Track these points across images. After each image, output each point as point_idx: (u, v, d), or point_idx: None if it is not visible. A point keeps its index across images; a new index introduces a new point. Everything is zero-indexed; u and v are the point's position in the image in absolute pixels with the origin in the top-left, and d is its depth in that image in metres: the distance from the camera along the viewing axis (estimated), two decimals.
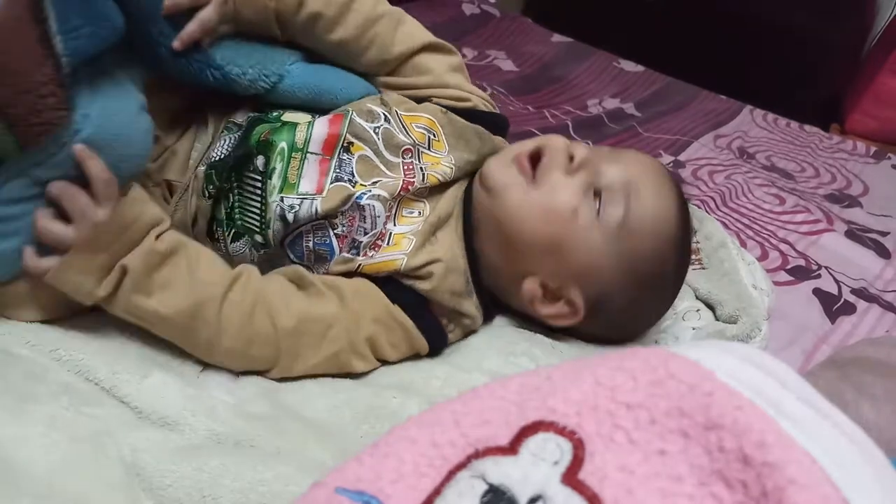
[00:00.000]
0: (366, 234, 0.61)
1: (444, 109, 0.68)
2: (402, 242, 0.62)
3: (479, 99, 0.73)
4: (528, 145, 0.66)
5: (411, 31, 0.71)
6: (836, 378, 0.54)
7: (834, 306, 0.85)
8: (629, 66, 1.50)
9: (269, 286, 0.58)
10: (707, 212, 0.98)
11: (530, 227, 0.62)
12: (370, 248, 0.61)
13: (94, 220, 0.51)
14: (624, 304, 0.64)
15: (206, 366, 0.57)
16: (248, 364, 0.57)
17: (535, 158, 0.65)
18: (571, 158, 0.64)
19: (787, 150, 1.29)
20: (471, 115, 0.70)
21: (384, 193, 0.62)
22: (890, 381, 0.51)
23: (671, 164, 1.15)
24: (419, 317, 0.61)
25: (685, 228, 0.67)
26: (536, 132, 1.16)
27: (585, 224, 0.62)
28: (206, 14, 0.60)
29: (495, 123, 0.72)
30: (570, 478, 0.30)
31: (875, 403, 0.48)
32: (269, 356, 0.57)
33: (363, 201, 0.61)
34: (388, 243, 0.62)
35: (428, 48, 0.71)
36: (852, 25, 1.79)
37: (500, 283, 0.66)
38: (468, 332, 0.67)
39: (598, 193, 0.63)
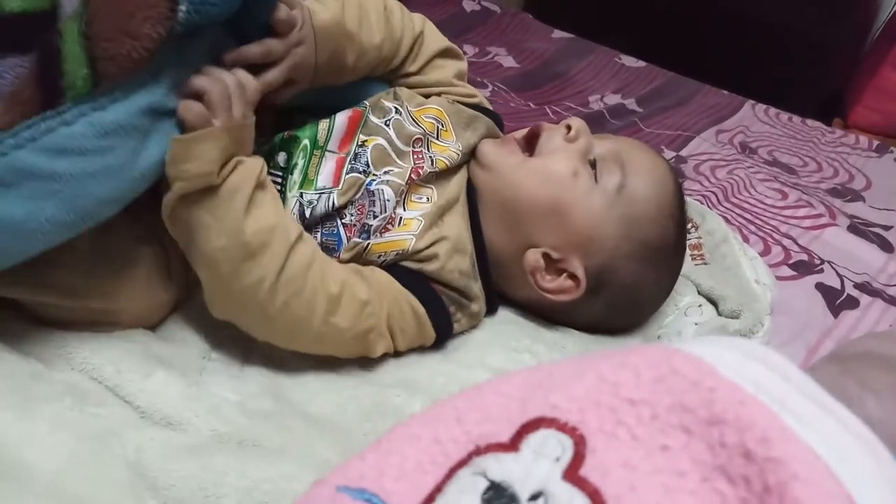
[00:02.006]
0: (375, 217, 0.62)
1: (451, 100, 0.71)
2: (412, 224, 0.63)
3: (482, 97, 0.77)
4: (523, 131, 0.70)
5: (431, 38, 0.73)
6: (839, 373, 0.54)
7: (837, 301, 0.85)
8: (630, 61, 1.49)
9: (323, 253, 0.59)
10: (709, 207, 0.98)
11: (529, 191, 0.65)
12: (380, 232, 0.62)
13: (238, 115, 0.53)
14: (625, 279, 0.65)
15: (209, 362, 0.57)
16: (277, 321, 0.55)
17: (532, 140, 0.68)
18: (569, 128, 0.66)
19: (789, 145, 1.28)
20: (476, 109, 0.73)
21: (395, 179, 0.63)
22: (894, 375, 0.51)
23: (673, 160, 1.15)
24: (428, 303, 0.62)
25: (680, 200, 0.69)
26: None
27: (585, 187, 0.64)
28: (273, 76, 0.58)
29: (495, 121, 0.74)
30: (572, 474, 0.31)
31: (879, 398, 0.48)
32: (305, 316, 0.55)
33: (373, 186, 0.62)
34: (397, 226, 0.63)
35: (443, 53, 0.74)
36: (854, 19, 1.79)
37: (503, 266, 0.67)
38: (473, 324, 0.67)
39: (593, 164, 0.65)
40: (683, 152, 1.19)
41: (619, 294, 0.66)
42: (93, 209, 0.48)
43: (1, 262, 0.47)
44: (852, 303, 0.85)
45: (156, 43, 0.46)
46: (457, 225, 0.65)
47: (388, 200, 0.62)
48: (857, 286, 0.88)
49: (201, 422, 0.50)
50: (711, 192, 1.06)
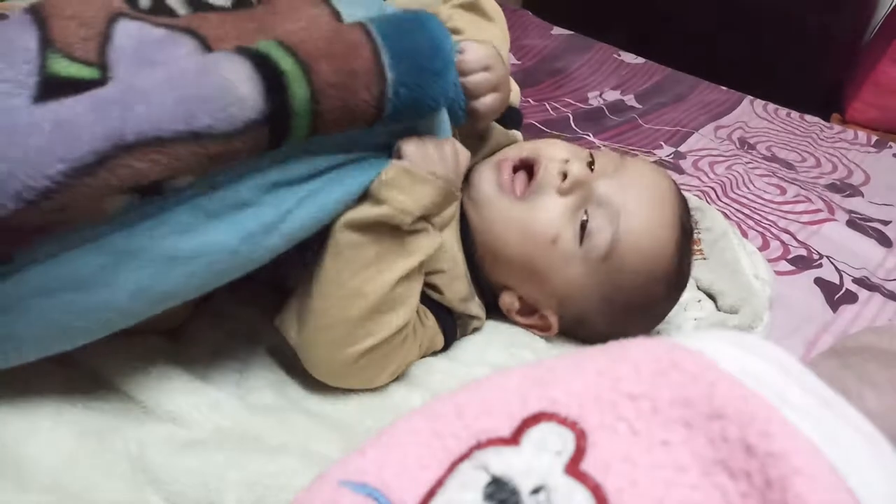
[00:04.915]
0: None
1: None
2: None
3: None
4: (523, 150, 0.64)
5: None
6: (838, 367, 0.54)
7: (836, 295, 0.85)
8: (629, 58, 1.49)
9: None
10: (708, 202, 0.98)
11: (509, 244, 0.62)
12: None
13: (454, 179, 0.54)
14: (604, 327, 0.62)
15: (212, 357, 0.57)
16: (350, 371, 0.54)
17: (529, 166, 0.63)
18: (564, 176, 0.60)
19: (787, 141, 1.28)
20: None
21: None
22: (893, 369, 0.51)
23: (671, 156, 1.15)
24: (439, 316, 0.62)
25: (680, 262, 0.63)
26: (538, 125, 1.16)
27: (565, 253, 0.60)
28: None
29: (510, 117, 0.69)
30: (573, 468, 0.30)
31: (878, 392, 0.48)
32: (371, 377, 0.56)
33: None
34: None
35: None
36: (852, 14, 1.78)
37: (489, 284, 0.66)
38: (473, 329, 0.67)
39: (583, 225, 0.60)
40: (682, 148, 1.19)
41: (598, 334, 0.65)
42: (297, 232, 0.48)
43: (211, 285, 0.47)
44: (851, 297, 0.85)
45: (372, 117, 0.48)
46: (450, 244, 0.63)
47: None
48: (855, 281, 0.88)
49: (203, 417, 0.50)
50: (710, 187, 1.06)
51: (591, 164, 0.62)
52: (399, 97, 0.47)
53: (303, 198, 0.48)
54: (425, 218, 0.53)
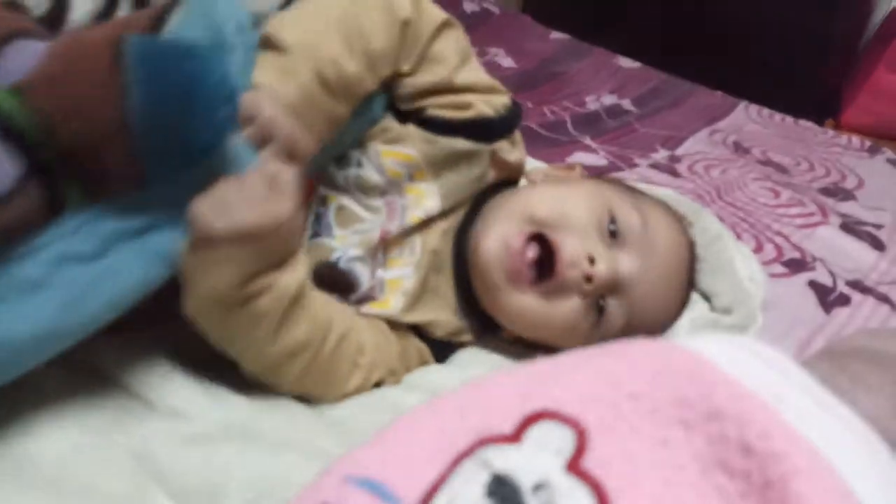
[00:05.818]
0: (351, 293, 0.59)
1: (429, 137, 0.59)
2: (391, 301, 0.60)
3: (482, 104, 0.60)
4: (533, 220, 0.58)
5: (427, 17, 0.57)
6: (832, 368, 0.55)
7: (829, 298, 0.86)
8: (626, 62, 1.50)
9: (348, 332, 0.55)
10: (702, 205, 0.99)
11: (519, 325, 0.62)
12: (362, 301, 0.60)
13: (266, 219, 0.45)
14: None
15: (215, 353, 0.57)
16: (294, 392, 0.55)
17: (547, 251, 0.58)
18: (589, 279, 0.56)
19: (781, 145, 1.29)
20: (467, 126, 0.60)
21: (359, 252, 0.58)
22: (886, 371, 0.52)
23: (667, 159, 1.16)
24: (430, 343, 0.63)
25: (680, 312, 0.66)
26: (537, 128, 1.16)
27: (580, 336, 0.60)
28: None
29: (499, 127, 0.62)
30: (574, 466, 0.31)
31: (871, 394, 0.49)
32: (319, 395, 0.55)
33: (341, 265, 0.58)
34: (380, 292, 0.60)
35: (437, 33, 0.58)
36: (848, 20, 1.80)
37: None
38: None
39: (601, 310, 0.59)
40: (678, 151, 1.19)
41: None
42: (103, 313, 0.44)
43: (26, 368, 0.44)
44: (844, 300, 0.86)
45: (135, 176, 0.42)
46: (442, 292, 0.62)
47: (361, 275, 0.59)
48: (848, 284, 0.89)
49: (206, 412, 0.50)
50: (706, 191, 1.06)
51: (612, 225, 0.59)
52: (159, 150, 0.41)
53: (98, 275, 0.42)
54: (253, 279, 0.46)
